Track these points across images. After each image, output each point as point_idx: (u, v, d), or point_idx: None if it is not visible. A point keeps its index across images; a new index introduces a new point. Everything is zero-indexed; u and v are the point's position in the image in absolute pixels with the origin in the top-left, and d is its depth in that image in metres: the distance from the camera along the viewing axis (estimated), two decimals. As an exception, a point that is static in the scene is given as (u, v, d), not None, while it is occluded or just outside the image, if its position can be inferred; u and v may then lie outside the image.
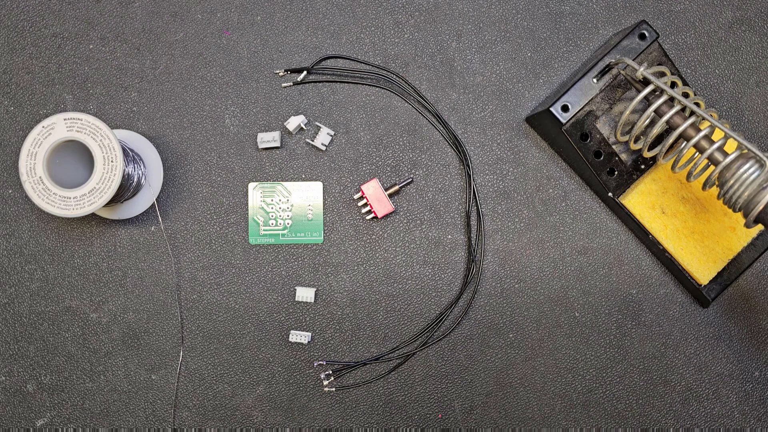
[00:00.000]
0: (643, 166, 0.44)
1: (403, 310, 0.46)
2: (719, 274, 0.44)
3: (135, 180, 0.43)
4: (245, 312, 0.45)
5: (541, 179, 0.46)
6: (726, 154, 0.38)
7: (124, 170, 0.41)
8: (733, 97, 0.47)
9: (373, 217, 0.46)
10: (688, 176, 0.41)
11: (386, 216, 0.46)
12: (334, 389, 0.45)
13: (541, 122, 0.44)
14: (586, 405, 0.46)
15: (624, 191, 0.44)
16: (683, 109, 0.40)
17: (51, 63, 0.46)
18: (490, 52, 0.47)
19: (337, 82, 0.46)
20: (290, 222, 0.46)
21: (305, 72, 0.46)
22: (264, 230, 0.46)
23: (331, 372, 0.45)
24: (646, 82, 0.40)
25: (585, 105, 0.42)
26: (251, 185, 0.46)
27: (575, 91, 0.42)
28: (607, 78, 0.42)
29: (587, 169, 0.44)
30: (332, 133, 0.46)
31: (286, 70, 0.46)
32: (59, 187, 0.40)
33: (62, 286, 0.45)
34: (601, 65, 0.42)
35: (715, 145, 0.38)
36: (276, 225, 0.46)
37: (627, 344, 0.46)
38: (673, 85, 0.42)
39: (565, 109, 0.42)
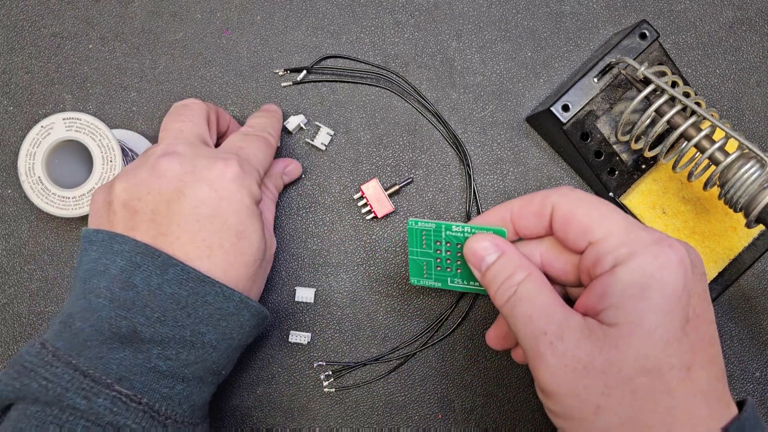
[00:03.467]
0: (643, 166, 0.44)
1: (403, 310, 0.45)
2: (720, 274, 0.44)
3: (134, 180, 0.43)
4: (245, 312, 0.45)
5: (541, 179, 0.46)
6: (727, 154, 0.38)
7: (124, 170, 0.40)
8: (734, 97, 0.47)
9: (373, 217, 0.46)
10: (689, 176, 0.41)
11: (386, 216, 0.46)
12: (333, 390, 0.45)
13: (542, 122, 0.44)
14: (586, 405, 0.46)
15: (625, 191, 0.44)
16: (684, 109, 0.39)
17: (50, 63, 0.46)
18: (491, 52, 0.47)
19: (336, 81, 0.46)
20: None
21: (305, 71, 0.46)
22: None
23: (330, 372, 0.45)
24: (646, 81, 0.40)
25: (585, 105, 0.42)
26: None
27: (576, 91, 0.42)
28: (607, 77, 0.42)
29: (588, 169, 0.44)
30: (332, 132, 0.46)
31: (285, 70, 0.46)
32: (58, 187, 0.40)
33: (61, 286, 0.45)
34: (601, 65, 0.42)
35: (716, 145, 0.38)
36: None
37: (627, 344, 0.46)
38: (673, 84, 0.42)
39: (565, 108, 0.42)
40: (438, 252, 0.36)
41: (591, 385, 0.28)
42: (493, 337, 0.37)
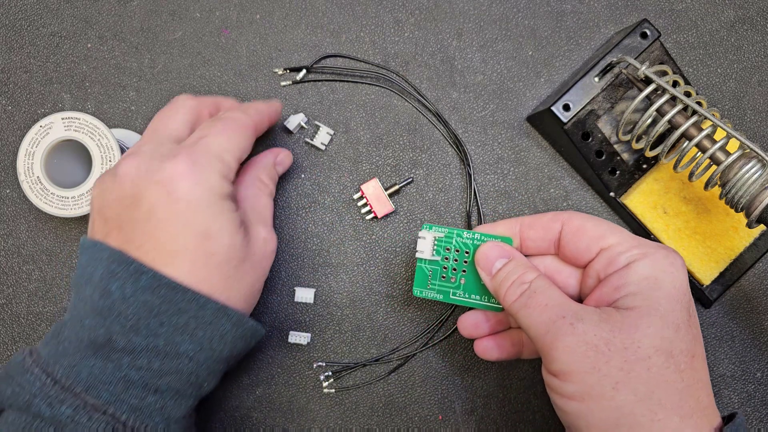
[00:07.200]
0: (644, 166, 0.44)
1: (403, 310, 0.45)
2: (721, 274, 0.44)
3: (133, 180, 0.43)
4: (244, 312, 0.45)
5: (542, 179, 0.46)
6: (728, 154, 0.38)
7: (122, 170, 0.40)
8: (735, 96, 0.47)
9: (373, 217, 0.45)
10: (690, 176, 0.40)
11: (386, 216, 0.46)
12: (333, 391, 0.45)
13: (543, 121, 0.44)
14: (587, 406, 0.45)
15: (626, 191, 0.44)
16: (685, 109, 0.39)
17: (49, 62, 0.46)
18: (491, 51, 0.46)
19: (336, 81, 0.46)
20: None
21: (304, 71, 0.46)
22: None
23: (330, 373, 0.45)
24: (647, 81, 0.40)
25: (586, 104, 0.42)
26: None
27: (577, 90, 0.42)
28: (608, 77, 0.42)
29: (589, 169, 0.43)
30: (332, 132, 0.46)
31: (285, 69, 0.46)
32: (57, 186, 0.39)
33: (60, 286, 0.45)
34: (602, 64, 0.42)
35: (717, 145, 0.38)
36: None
37: (628, 345, 0.46)
38: (674, 84, 0.42)
39: (566, 108, 0.41)
40: (446, 260, 0.38)
41: (611, 361, 0.30)
42: (469, 324, 0.39)
